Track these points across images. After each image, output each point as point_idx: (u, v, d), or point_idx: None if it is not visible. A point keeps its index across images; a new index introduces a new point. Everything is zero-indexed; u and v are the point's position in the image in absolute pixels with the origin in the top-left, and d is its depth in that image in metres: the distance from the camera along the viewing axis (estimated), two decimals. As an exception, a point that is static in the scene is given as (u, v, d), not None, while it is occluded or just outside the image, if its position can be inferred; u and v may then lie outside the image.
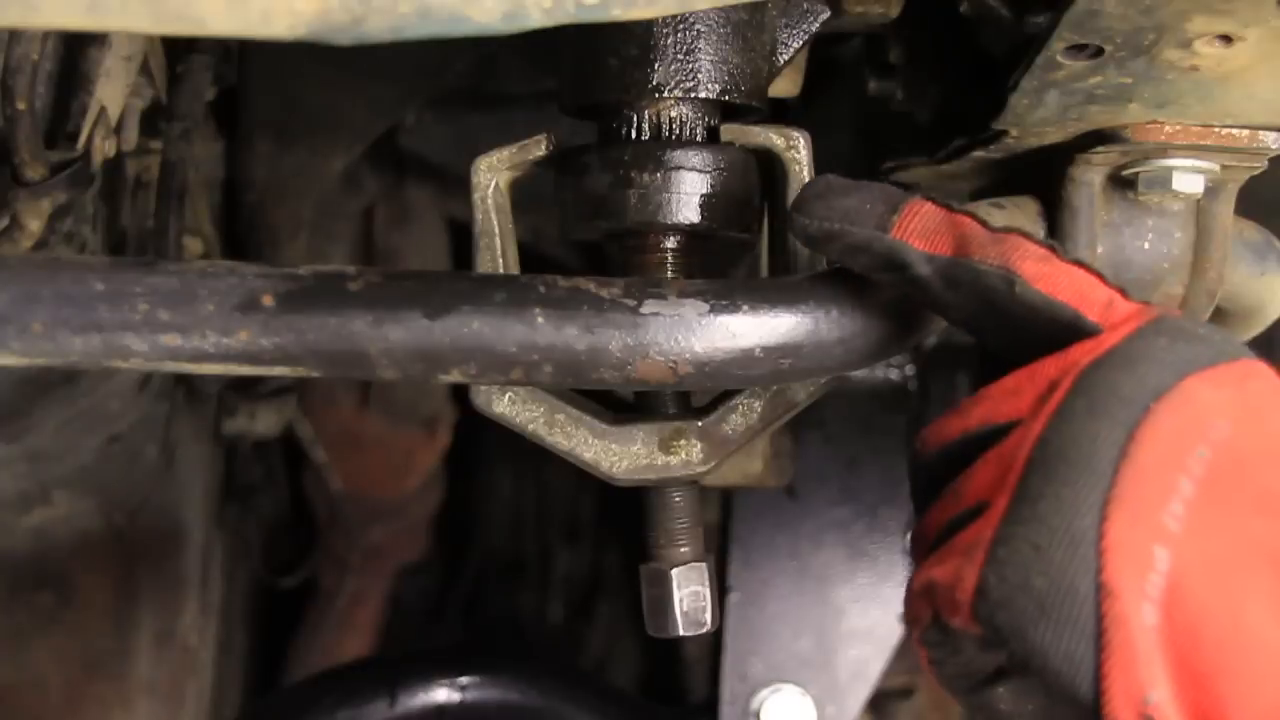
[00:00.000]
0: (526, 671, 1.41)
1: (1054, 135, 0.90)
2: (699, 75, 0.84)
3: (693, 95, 0.84)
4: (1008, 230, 0.72)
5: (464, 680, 1.37)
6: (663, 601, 0.87)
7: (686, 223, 0.84)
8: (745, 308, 0.76)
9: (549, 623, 2.35)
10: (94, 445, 1.33)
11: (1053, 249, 0.72)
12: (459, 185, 0.90)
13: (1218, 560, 0.62)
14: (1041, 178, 0.93)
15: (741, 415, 0.85)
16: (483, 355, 0.73)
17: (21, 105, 0.90)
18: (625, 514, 2.22)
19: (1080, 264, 0.71)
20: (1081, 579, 0.61)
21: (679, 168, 0.83)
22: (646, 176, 0.83)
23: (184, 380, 1.47)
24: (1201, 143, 0.88)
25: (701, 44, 0.84)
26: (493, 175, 0.87)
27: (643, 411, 0.87)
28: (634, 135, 0.85)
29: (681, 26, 0.84)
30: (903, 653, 1.53)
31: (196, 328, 0.71)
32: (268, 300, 0.71)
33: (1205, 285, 0.93)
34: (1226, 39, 0.77)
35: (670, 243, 0.86)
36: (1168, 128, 0.87)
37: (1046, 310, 0.70)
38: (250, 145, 1.39)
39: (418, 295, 0.72)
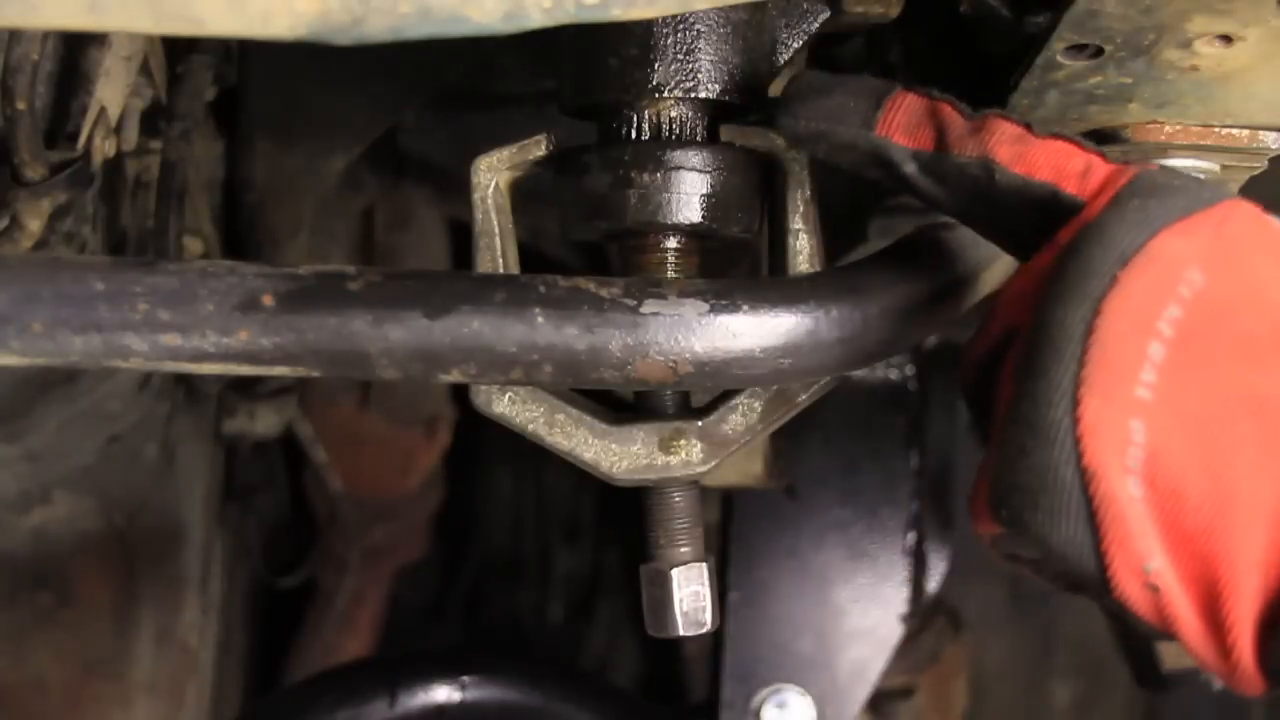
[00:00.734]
0: (526, 671, 1.41)
1: (1054, 135, 0.90)
2: (699, 75, 0.84)
3: (693, 95, 0.84)
4: (984, 115, 0.74)
5: (464, 680, 1.37)
6: (663, 601, 0.87)
7: (686, 223, 0.84)
8: (745, 307, 0.76)
9: (549, 623, 2.35)
10: (94, 445, 1.33)
11: (1027, 127, 0.73)
12: (459, 185, 0.89)
13: (1194, 420, 0.63)
14: (1041, 178, 0.93)
15: (741, 415, 0.85)
16: (483, 355, 0.73)
17: (21, 105, 0.90)
18: (625, 514, 2.22)
19: (1056, 135, 0.72)
20: (1065, 469, 0.63)
21: (679, 168, 0.83)
22: (646, 176, 0.83)
23: (184, 380, 1.47)
24: (1201, 143, 0.88)
25: (701, 44, 0.84)
26: (493, 175, 0.87)
27: (643, 411, 0.87)
28: (634, 135, 0.85)
29: (681, 26, 0.84)
30: (903, 653, 1.53)
31: (196, 327, 0.71)
32: (268, 300, 0.71)
33: (1205, 285, 0.93)
34: (1226, 39, 0.77)
35: (670, 243, 0.86)
36: (1168, 128, 0.87)
37: (1026, 190, 0.72)
38: (250, 145, 1.39)
39: (418, 295, 0.73)
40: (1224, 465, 0.63)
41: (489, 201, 0.86)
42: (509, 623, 2.35)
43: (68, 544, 1.47)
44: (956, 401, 1.50)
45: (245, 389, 1.59)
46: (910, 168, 0.76)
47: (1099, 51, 0.78)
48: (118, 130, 1.08)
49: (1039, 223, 0.71)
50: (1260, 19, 0.74)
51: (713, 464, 0.85)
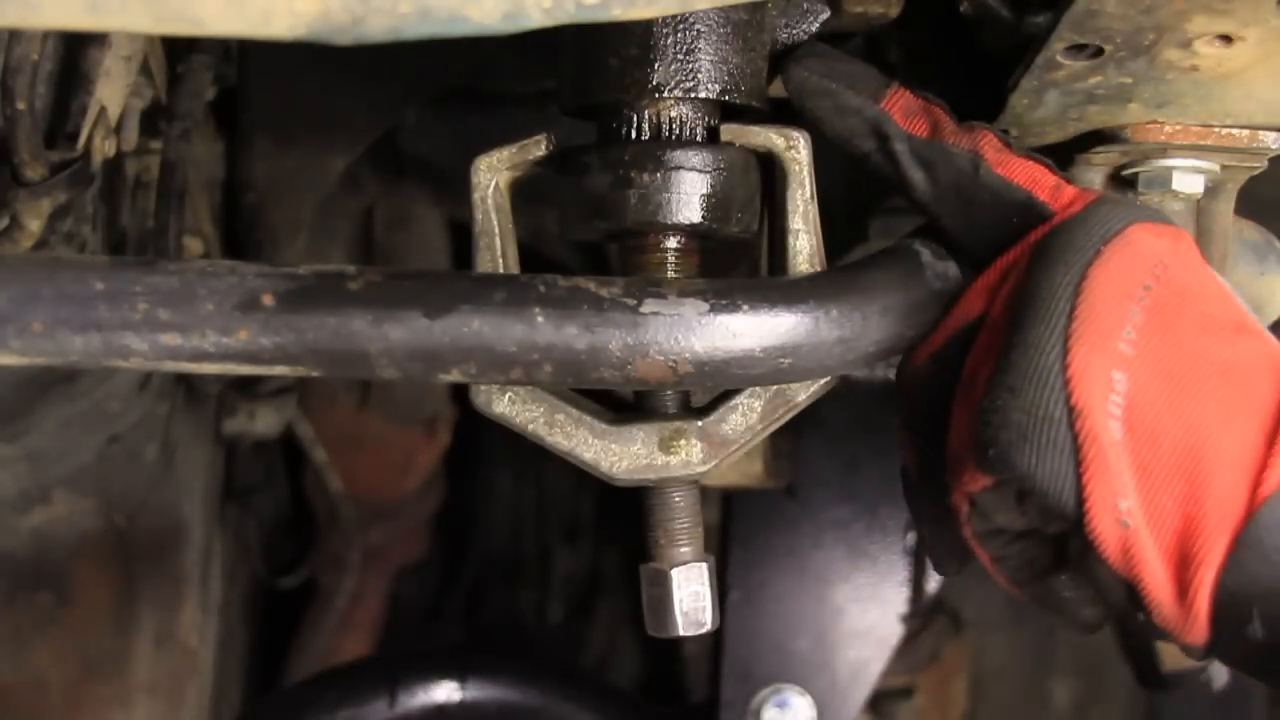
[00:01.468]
0: (526, 671, 1.41)
1: (1054, 135, 0.90)
2: (699, 75, 0.84)
3: (693, 95, 0.84)
4: (972, 124, 0.81)
5: (464, 680, 1.37)
6: (663, 601, 0.87)
7: (686, 223, 0.84)
8: (745, 307, 0.76)
9: (549, 623, 2.35)
10: (94, 445, 1.33)
11: (1007, 142, 0.81)
12: (459, 185, 0.89)
13: (1169, 375, 0.70)
14: (1041, 178, 0.93)
15: (741, 415, 0.85)
16: (482, 355, 0.73)
17: (21, 105, 0.90)
18: (625, 514, 2.22)
19: (1032, 156, 0.80)
20: (1054, 406, 0.69)
21: (679, 168, 0.83)
22: (646, 176, 0.83)
23: (184, 380, 1.47)
24: (1201, 143, 0.88)
25: (701, 44, 0.84)
26: (493, 175, 0.87)
27: (643, 411, 0.87)
28: (634, 135, 0.85)
29: (681, 26, 0.84)
30: (903, 653, 1.53)
31: (196, 327, 0.71)
32: (268, 300, 0.71)
33: (1205, 285, 0.93)
34: (1226, 39, 0.77)
35: (670, 243, 0.86)
36: (1168, 128, 0.87)
37: (1005, 192, 0.79)
38: (250, 145, 1.39)
39: (417, 295, 0.72)
40: (1196, 416, 0.69)
41: (489, 201, 0.86)
42: (509, 623, 2.35)
43: (68, 544, 1.47)
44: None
45: (245, 389, 1.59)
46: (902, 145, 0.81)
47: (1099, 51, 0.78)
48: (118, 130, 1.08)
49: (1010, 225, 0.79)
50: (1260, 19, 0.74)
51: (713, 464, 0.85)
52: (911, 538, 1.49)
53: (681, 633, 0.87)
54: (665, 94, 0.84)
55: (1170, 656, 1.37)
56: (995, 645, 2.21)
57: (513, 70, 1.34)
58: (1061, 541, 0.77)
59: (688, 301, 0.75)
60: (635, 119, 0.85)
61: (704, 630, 0.88)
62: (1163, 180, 0.88)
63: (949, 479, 0.77)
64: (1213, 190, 0.91)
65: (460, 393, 1.63)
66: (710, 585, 0.88)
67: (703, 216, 0.84)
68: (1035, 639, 2.24)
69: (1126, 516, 0.68)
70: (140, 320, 0.70)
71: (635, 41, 0.84)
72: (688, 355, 0.75)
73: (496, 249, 0.86)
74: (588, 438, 0.85)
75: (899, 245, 0.85)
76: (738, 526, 1.48)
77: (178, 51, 1.22)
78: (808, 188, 0.85)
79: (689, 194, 0.83)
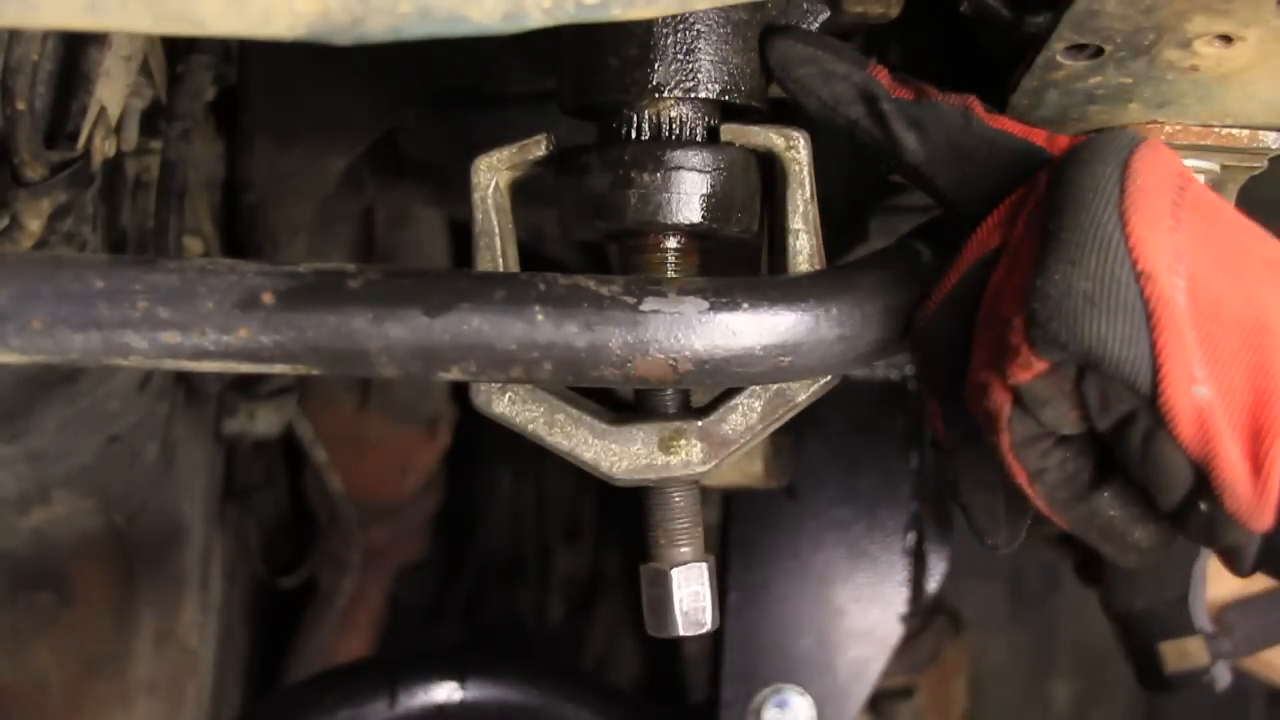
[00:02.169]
0: (526, 671, 1.41)
1: (1054, 135, 0.90)
2: (699, 75, 0.84)
3: (693, 95, 0.84)
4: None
5: (464, 680, 1.37)
6: (663, 601, 0.87)
7: (686, 223, 0.84)
8: (745, 305, 0.76)
9: (549, 623, 2.35)
10: (94, 445, 1.33)
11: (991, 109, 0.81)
12: (459, 185, 0.89)
13: (1221, 257, 0.68)
14: (1041, 177, 0.93)
15: (741, 415, 0.85)
16: (482, 353, 0.73)
17: (21, 105, 0.90)
18: (625, 514, 2.22)
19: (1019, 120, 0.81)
20: (1120, 269, 0.66)
21: (679, 168, 0.83)
22: (646, 176, 0.83)
23: (184, 380, 1.47)
24: (1201, 143, 0.88)
25: (701, 44, 0.84)
26: (493, 175, 0.87)
27: (643, 411, 0.87)
28: (634, 135, 0.85)
29: (681, 26, 0.84)
30: (903, 653, 1.53)
31: (196, 325, 0.71)
32: (267, 298, 0.71)
33: (1205, 285, 0.93)
34: (1226, 39, 0.77)
35: (670, 243, 0.86)
36: (1168, 128, 0.87)
37: (1001, 142, 0.79)
38: (250, 145, 1.39)
39: (417, 293, 0.72)
40: (1256, 293, 0.67)
41: (489, 201, 0.86)
42: (509, 623, 2.35)
43: (68, 544, 1.47)
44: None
45: (245, 389, 1.59)
46: (891, 106, 0.81)
47: (1099, 51, 0.78)
48: (118, 130, 1.08)
49: (1010, 174, 0.77)
50: (1260, 19, 0.74)
51: (713, 464, 0.85)
52: (911, 538, 1.49)
53: (681, 633, 0.87)
54: (665, 94, 0.84)
55: (1172, 658, 1.37)
56: (995, 645, 2.21)
57: (513, 70, 1.34)
58: (1104, 452, 0.73)
59: (688, 300, 0.75)
60: (635, 119, 0.85)
61: (704, 630, 0.88)
62: (1163, 180, 0.88)
63: (981, 382, 0.72)
64: (1213, 190, 0.91)
65: (460, 393, 1.63)
66: (710, 585, 0.88)
67: (703, 216, 0.84)
68: (1035, 639, 2.24)
69: (1202, 384, 0.65)
70: (140, 318, 0.70)
71: (635, 41, 0.84)
72: (688, 353, 0.75)
73: (496, 249, 0.86)
74: (588, 438, 0.85)
75: (899, 244, 0.86)
76: (738, 526, 1.48)
77: (178, 51, 1.22)
78: (808, 188, 0.85)
79: (689, 194, 0.83)
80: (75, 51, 1.00)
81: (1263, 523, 0.66)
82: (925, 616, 1.62)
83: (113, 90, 1.04)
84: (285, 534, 1.99)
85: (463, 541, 2.34)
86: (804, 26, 0.89)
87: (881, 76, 0.82)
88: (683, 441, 0.85)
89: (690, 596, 0.87)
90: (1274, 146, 0.88)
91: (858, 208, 1.25)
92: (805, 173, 0.85)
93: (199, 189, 1.40)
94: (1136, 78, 0.81)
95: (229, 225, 1.46)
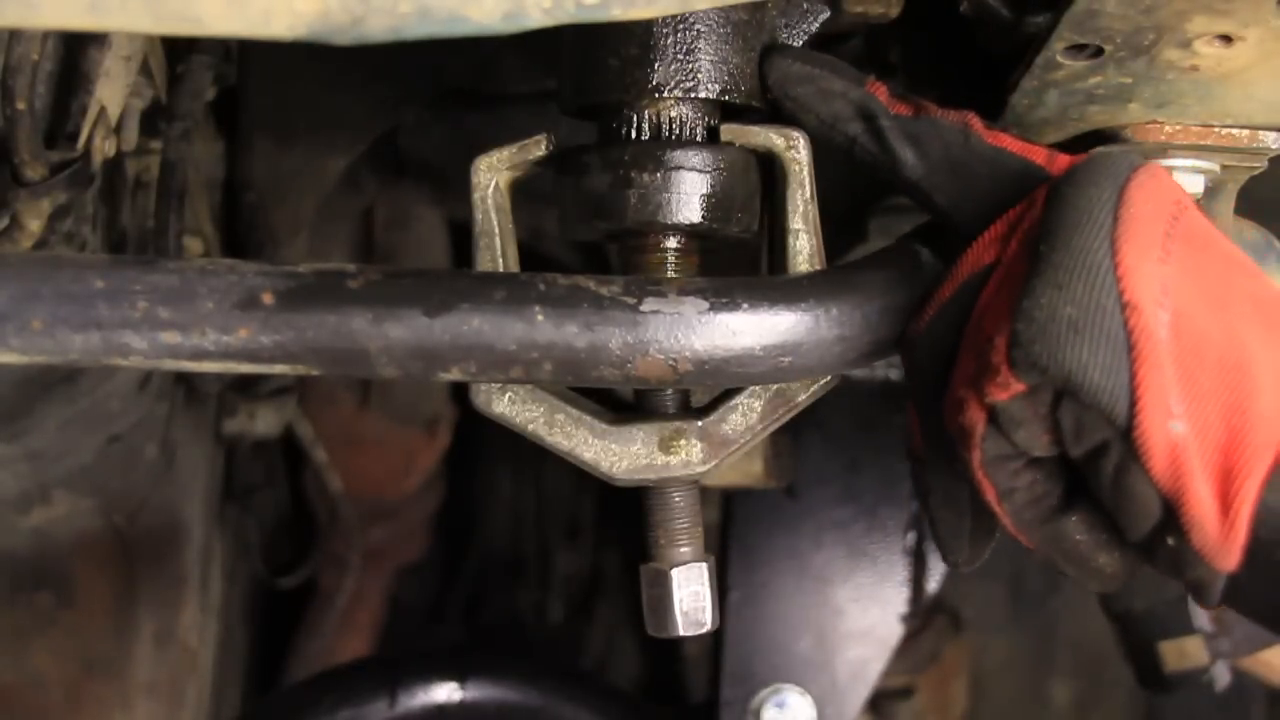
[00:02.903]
0: (526, 671, 1.41)
1: (1054, 135, 0.90)
2: (699, 75, 0.84)
3: (693, 95, 0.84)
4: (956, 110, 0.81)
5: (464, 680, 1.37)
6: (663, 601, 0.87)
7: (686, 223, 0.84)
8: (745, 306, 0.76)
9: (549, 623, 2.35)
10: (94, 445, 1.33)
11: (991, 126, 0.81)
12: (459, 185, 0.89)
13: (1208, 293, 0.68)
14: (1041, 177, 0.93)
15: (741, 415, 0.85)
16: (482, 353, 0.73)
17: (21, 105, 0.90)
18: (625, 514, 2.22)
19: (1019, 137, 0.80)
20: (1106, 298, 0.66)
21: (679, 168, 0.83)
22: (646, 176, 0.83)
23: (184, 380, 1.47)
24: (1201, 143, 0.88)
25: (701, 44, 0.84)
26: (493, 175, 0.87)
27: (642, 411, 0.87)
28: (634, 135, 0.85)
29: (681, 26, 0.84)
30: (903, 653, 1.53)
31: (196, 325, 0.71)
32: (267, 298, 0.71)
33: (1205, 285, 0.93)
34: (1226, 39, 0.77)
35: (670, 243, 0.86)
36: (1168, 128, 0.87)
37: (999, 159, 0.79)
38: (250, 145, 1.39)
39: (417, 293, 0.73)
40: (1238, 333, 0.67)
41: (489, 201, 0.86)
42: (509, 623, 2.35)
43: (68, 544, 1.47)
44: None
45: (245, 389, 1.59)
46: (889, 122, 0.82)
47: (1099, 51, 0.78)
48: (118, 130, 1.08)
49: (1008, 191, 0.77)
50: (1260, 19, 0.74)
51: (713, 464, 0.85)
52: (911, 538, 1.49)
53: (681, 633, 0.87)
54: (665, 94, 0.84)
55: (1173, 658, 1.37)
56: (995, 645, 2.21)
57: (513, 70, 1.34)
58: (1073, 477, 0.73)
59: (688, 300, 0.75)
60: (635, 119, 0.85)
61: (704, 630, 0.88)
62: (1163, 180, 0.88)
63: (959, 398, 0.72)
64: (1213, 190, 0.91)
65: (460, 393, 1.63)
66: (710, 585, 0.88)
67: (703, 216, 0.84)
68: (1035, 639, 2.24)
69: (1178, 420, 0.65)
70: (140, 318, 0.70)
71: (635, 41, 0.84)
72: (688, 353, 0.75)
73: (496, 249, 0.86)
74: (588, 438, 0.85)
75: (899, 245, 0.86)
76: (738, 526, 1.48)
77: (178, 51, 1.22)
78: (808, 188, 0.85)
79: (689, 194, 0.83)
80: (75, 51, 1.00)
81: (1228, 562, 0.66)
82: (925, 616, 1.62)
83: (113, 90, 1.04)
84: (285, 534, 1.99)
85: (463, 541, 2.34)
86: (805, 27, 0.90)
87: (879, 93, 0.82)
88: (683, 441, 0.85)
89: (690, 596, 0.87)
90: (1274, 146, 0.88)
91: (858, 208, 1.25)
92: (805, 173, 0.85)
93: (199, 189, 1.40)
94: (1136, 78, 0.81)
95: (229, 225, 1.46)
